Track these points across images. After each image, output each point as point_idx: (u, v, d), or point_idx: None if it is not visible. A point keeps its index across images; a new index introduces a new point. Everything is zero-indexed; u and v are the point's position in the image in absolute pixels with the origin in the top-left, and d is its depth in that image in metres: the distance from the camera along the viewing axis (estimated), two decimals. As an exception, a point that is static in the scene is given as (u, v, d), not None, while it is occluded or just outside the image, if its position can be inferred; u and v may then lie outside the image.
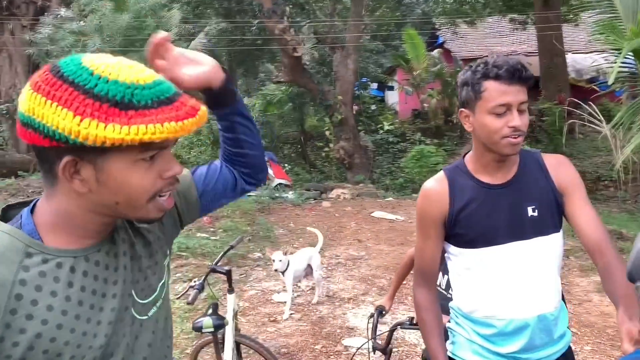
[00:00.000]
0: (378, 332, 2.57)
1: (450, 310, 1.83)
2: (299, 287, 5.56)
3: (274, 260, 4.73)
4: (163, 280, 1.12)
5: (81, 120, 0.83)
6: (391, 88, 21.40)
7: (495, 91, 1.54)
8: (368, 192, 10.93)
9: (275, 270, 4.82)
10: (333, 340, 4.41)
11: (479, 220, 1.65)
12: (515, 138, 1.55)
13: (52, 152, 0.87)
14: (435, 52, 17.46)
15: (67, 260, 0.93)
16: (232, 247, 3.10)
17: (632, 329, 1.18)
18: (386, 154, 14.63)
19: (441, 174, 1.75)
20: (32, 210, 0.97)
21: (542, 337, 1.67)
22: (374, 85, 21.02)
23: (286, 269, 4.77)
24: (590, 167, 11.44)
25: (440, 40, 19.48)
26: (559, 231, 1.67)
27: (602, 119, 6.13)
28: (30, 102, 0.87)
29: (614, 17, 5.94)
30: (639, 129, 5.22)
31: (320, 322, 4.77)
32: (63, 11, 11.35)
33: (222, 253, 3.01)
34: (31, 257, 0.90)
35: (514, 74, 1.53)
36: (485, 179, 1.68)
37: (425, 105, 15.81)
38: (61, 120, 0.83)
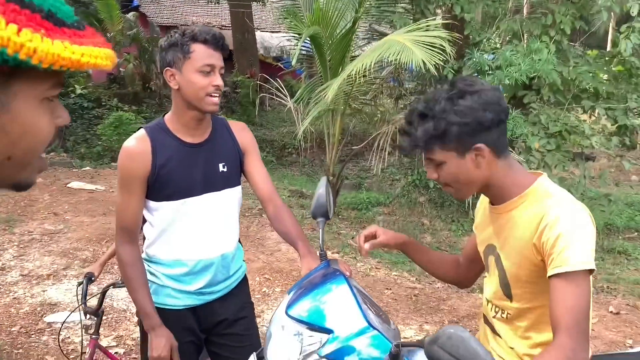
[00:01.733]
0: (88, 298, 2.59)
1: (144, 263, 1.97)
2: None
3: None
4: None
5: (19, 30, 0.60)
6: (82, 49, 19.75)
7: (203, 53, 1.76)
8: (61, 161, 10.09)
9: None
10: (33, 319, 4.13)
11: (178, 175, 1.85)
12: (216, 97, 1.80)
13: None
14: (131, 15, 16.83)
15: None
16: None
17: (312, 264, 1.61)
18: (80, 120, 13.57)
19: (142, 132, 1.87)
20: None
21: (223, 272, 1.99)
22: (62, 44, 19.06)
23: None
24: (278, 137, 12.84)
25: (136, 3, 18.82)
26: (240, 184, 2.01)
27: (287, 94, 7.03)
28: None
29: (295, 4, 6.83)
30: (315, 104, 6.19)
31: (16, 303, 4.38)
32: None
33: None
34: None
35: (218, 41, 1.79)
36: (185, 137, 1.88)
37: (121, 70, 15.19)
38: None
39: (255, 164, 2.01)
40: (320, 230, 1.66)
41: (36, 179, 0.77)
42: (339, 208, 7.47)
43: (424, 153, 1.40)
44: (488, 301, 1.56)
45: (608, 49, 16.31)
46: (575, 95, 6.60)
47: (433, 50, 4.86)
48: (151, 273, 1.96)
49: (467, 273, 1.77)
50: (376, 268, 5.69)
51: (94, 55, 0.67)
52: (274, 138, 12.73)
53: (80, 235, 6.03)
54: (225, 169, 1.93)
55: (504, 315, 1.49)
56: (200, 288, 1.95)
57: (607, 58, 7.15)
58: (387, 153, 6.45)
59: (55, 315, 4.16)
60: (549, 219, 1.31)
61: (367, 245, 1.66)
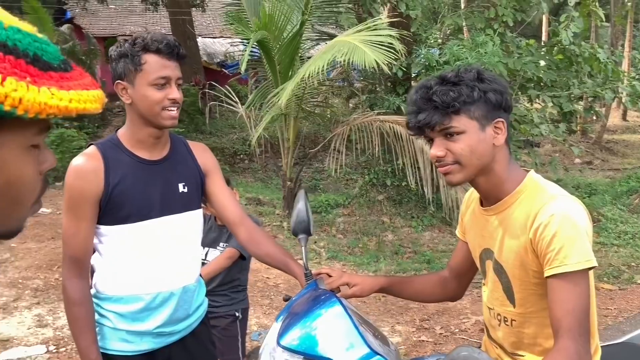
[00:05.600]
0: None
1: (93, 300, 1.72)
2: None
3: None
4: None
5: (4, 79, 0.56)
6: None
7: (156, 64, 1.58)
8: (0, 185, 9.55)
9: None
10: (-15, 359, 3.85)
11: (134, 195, 1.65)
12: (173, 111, 1.63)
13: None
14: (65, 28, 16.17)
15: None
16: None
17: (303, 281, 1.52)
18: (17, 141, 12.93)
19: (93, 149, 1.67)
20: None
21: (184, 308, 1.78)
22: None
23: None
24: (228, 144, 12.63)
25: (69, 15, 18.13)
26: (200, 207, 1.84)
27: (237, 100, 6.88)
28: None
29: (240, 9, 6.69)
30: (266, 110, 6.08)
31: (-36, 344, 4.08)
32: None
33: None
34: None
35: (173, 49, 1.61)
36: (141, 154, 1.69)
37: (58, 85, 14.54)
38: None
39: (219, 186, 1.85)
40: (303, 248, 1.56)
41: (24, 225, 0.70)
42: (298, 213, 7.39)
43: (444, 121, 1.30)
44: (489, 309, 1.51)
45: (543, 38, 16.94)
46: (521, 85, 6.76)
47: (384, 49, 4.85)
48: (100, 314, 1.73)
49: (457, 288, 1.70)
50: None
51: (82, 99, 0.63)
52: (224, 145, 12.50)
53: (29, 263, 5.70)
54: (185, 190, 1.75)
55: (508, 323, 1.44)
56: (159, 326, 1.73)
57: (547, 47, 7.37)
58: (343, 154, 6.41)
59: (9, 352, 3.89)
60: (543, 217, 1.28)
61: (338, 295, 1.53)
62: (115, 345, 1.73)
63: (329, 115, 8.23)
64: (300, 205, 1.56)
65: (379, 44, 4.88)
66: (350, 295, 1.56)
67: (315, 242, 6.40)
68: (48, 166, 0.70)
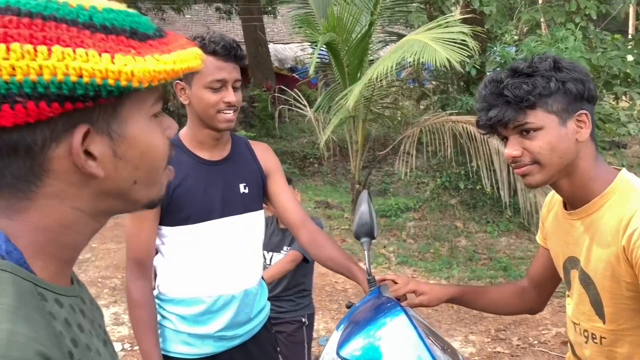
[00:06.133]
0: None
1: (156, 302, 1.73)
2: None
3: None
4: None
5: (112, 58, 0.59)
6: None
7: (211, 66, 1.55)
8: (85, 188, 10.08)
9: None
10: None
11: (195, 196, 1.64)
12: (229, 114, 1.60)
13: (45, 129, 0.59)
14: (144, 38, 16.96)
15: (75, 303, 0.67)
16: None
17: (366, 287, 1.44)
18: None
19: None
20: None
21: (246, 312, 1.75)
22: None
23: None
24: (298, 147, 12.73)
25: (148, 26, 19.00)
26: (262, 208, 1.80)
27: (307, 103, 6.89)
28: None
29: (309, 12, 6.70)
30: (335, 113, 6.03)
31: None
32: None
33: None
34: (46, 301, 0.61)
35: (230, 51, 1.57)
36: (202, 154, 1.68)
37: (138, 93, 15.25)
38: (82, 64, 0.57)
39: (281, 186, 1.80)
40: (366, 252, 1.47)
41: (164, 192, 0.75)
42: (368, 216, 7.28)
43: (518, 117, 1.19)
44: (574, 324, 1.35)
45: (630, 32, 15.88)
46: (605, 82, 6.32)
47: (456, 47, 4.67)
48: (162, 316, 1.73)
49: (537, 298, 1.55)
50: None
51: (184, 59, 0.66)
52: (294, 149, 12.61)
53: (108, 262, 5.95)
54: (246, 191, 1.72)
55: (597, 341, 1.29)
56: (220, 330, 1.71)
57: (636, 40, 6.86)
58: (413, 157, 6.24)
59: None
60: (638, 221, 1.12)
61: (403, 304, 1.43)
62: (177, 348, 1.72)
63: (399, 117, 8.06)
64: (363, 207, 1.47)
65: (451, 42, 4.70)
66: (416, 305, 1.46)
67: (385, 247, 6.27)
68: (172, 132, 0.74)
